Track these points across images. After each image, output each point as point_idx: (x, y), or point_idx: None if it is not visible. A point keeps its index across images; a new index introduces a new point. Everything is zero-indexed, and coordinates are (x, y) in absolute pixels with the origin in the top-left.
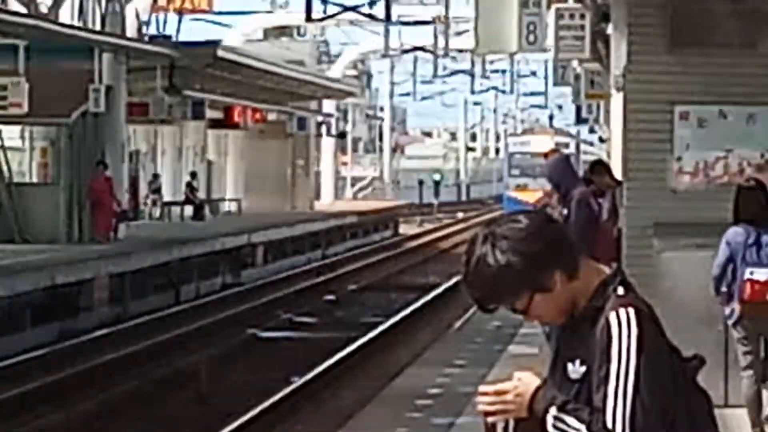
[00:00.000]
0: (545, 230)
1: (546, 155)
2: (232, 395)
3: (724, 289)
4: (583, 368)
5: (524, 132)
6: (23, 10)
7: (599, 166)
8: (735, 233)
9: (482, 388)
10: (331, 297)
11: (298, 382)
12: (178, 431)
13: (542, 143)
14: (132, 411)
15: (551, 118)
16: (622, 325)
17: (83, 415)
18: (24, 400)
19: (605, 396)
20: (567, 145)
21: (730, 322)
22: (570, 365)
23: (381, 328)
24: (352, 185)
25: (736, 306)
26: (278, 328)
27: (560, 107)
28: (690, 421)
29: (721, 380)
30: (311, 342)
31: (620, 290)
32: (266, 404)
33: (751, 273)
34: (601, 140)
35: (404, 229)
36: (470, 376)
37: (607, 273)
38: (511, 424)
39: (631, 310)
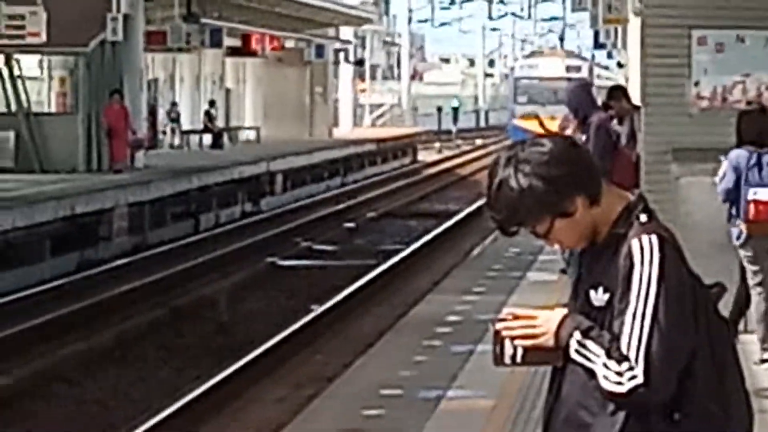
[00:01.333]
0: (568, 154)
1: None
2: (252, 324)
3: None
4: (607, 295)
5: (532, 54)
6: None
7: (617, 92)
8: (738, 155)
9: (507, 312)
10: (350, 224)
11: (318, 310)
12: (198, 360)
13: (552, 67)
14: (152, 340)
15: (562, 39)
16: (644, 252)
17: (103, 344)
18: (44, 329)
19: (623, 322)
20: (579, 69)
21: (738, 243)
22: (593, 292)
23: (400, 255)
24: (371, 112)
25: (743, 226)
26: (298, 257)
27: (577, 33)
28: (711, 349)
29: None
30: (331, 270)
31: (643, 217)
32: (286, 332)
33: (755, 193)
34: (620, 65)
35: (423, 156)
36: (490, 304)
37: (630, 199)
38: (520, 351)
39: (654, 238)
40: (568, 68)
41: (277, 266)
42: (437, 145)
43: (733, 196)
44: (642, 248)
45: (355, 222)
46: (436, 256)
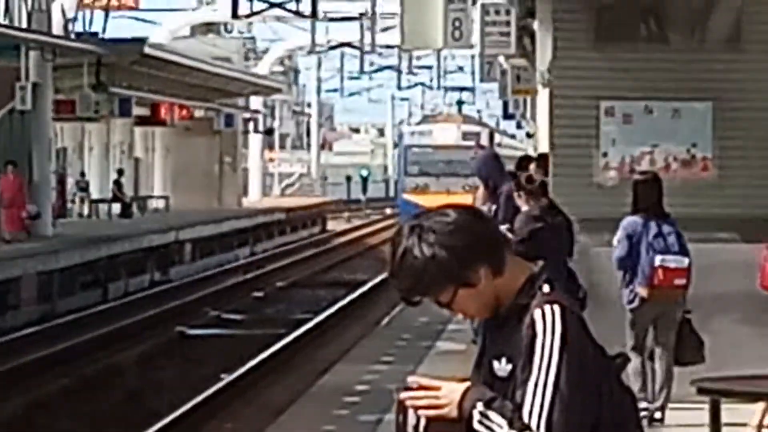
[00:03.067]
0: (473, 225)
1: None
2: (162, 392)
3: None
4: (510, 366)
5: (424, 119)
6: None
7: (526, 162)
8: (634, 222)
9: (412, 380)
10: (259, 294)
11: (227, 378)
12: (106, 429)
13: (446, 133)
14: (60, 409)
15: (460, 103)
16: (546, 322)
17: (10, 413)
18: None
19: (525, 391)
20: (478, 135)
21: (630, 306)
22: (496, 363)
23: (309, 324)
24: (280, 182)
25: (640, 290)
26: (207, 326)
27: (486, 103)
28: (614, 420)
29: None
30: (240, 339)
31: (546, 287)
32: (195, 401)
33: (662, 260)
34: (528, 135)
35: (332, 225)
36: (398, 373)
37: (533, 270)
38: (423, 422)
39: (557, 307)
40: (465, 135)
41: (186, 335)
42: (346, 214)
43: (627, 263)
44: (544, 317)
45: (263, 291)
46: (345, 325)
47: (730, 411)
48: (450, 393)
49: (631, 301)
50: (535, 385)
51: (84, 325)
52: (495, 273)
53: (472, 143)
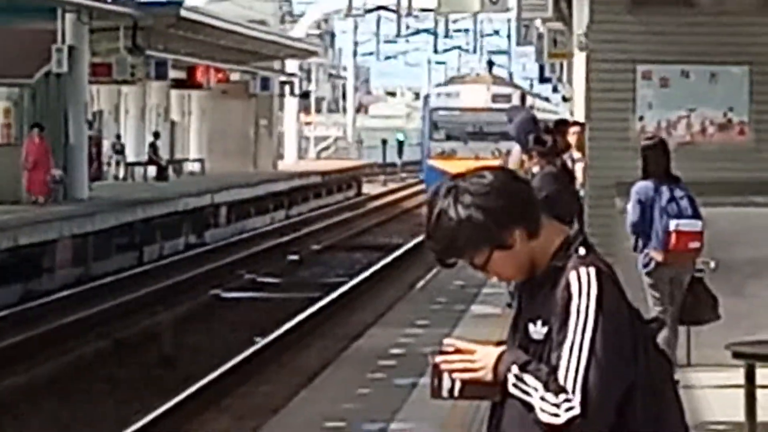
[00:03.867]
0: (509, 187)
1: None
2: (196, 356)
3: (642, 240)
4: (545, 329)
5: (452, 80)
6: None
7: (562, 126)
8: (646, 188)
9: (447, 344)
10: (294, 257)
11: (262, 342)
12: (142, 392)
13: (476, 95)
14: (95, 372)
15: (491, 64)
16: (582, 284)
17: (46, 376)
18: None
19: (560, 354)
20: (509, 98)
21: (646, 270)
22: (531, 326)
23: (344, 288)
24: (316, 145)
25: (655, 254)
26: (241, 289)
27: (523, 66)
28: (649, 383)
29: (683, 339)
30: (275, 302)
31: (581, 250)
32: (230, 365)
33: (677, 225)
34: (564, 99)
35: (368, 188)
36: (433, 337)
37: (569, 233)
38: (458, 385)
39: (592, 270)
40: (495, 97)
41: (221, 298)
42: (382, 177)
43: (640, 227)
44: (580, 281)
45: (299, 254)
46: (380, 288)
47: (765, 374)
48: (485, 356)
49: (646, 265)
50: (571, 348)
51: (119, 288)
52: (530, 235)
53: (502, 105)
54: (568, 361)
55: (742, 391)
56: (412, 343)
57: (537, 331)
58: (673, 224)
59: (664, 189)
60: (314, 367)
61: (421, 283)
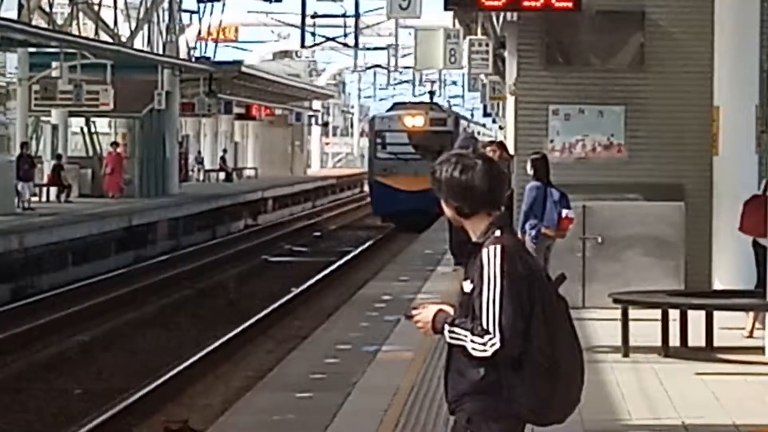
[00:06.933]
0: (484, 173)
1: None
2: (251, 300)
3: (533, 220)
4: (471, 285)
5: (394, 106)
6: (110, 40)
7: (499, 145)
8: (537, 187)
9: (413, 306)
10: (317, 234)
11: (296, 291)
12: (215, 324)
13: (415, 119)
14: (184, 310)
15: (431, 93)
16: (490, 258)
17: (150, 313)
18: (109, 304)
19: (480, 306)
20: (444, 122)
21: (535, 241)
22: (465, 283)
23: (351, 254)
24: (332, 158)
25: (547, 231)
26: (282, 255)
27: (471, 108)
28: (545, 318)
29: (580, 289)
30: (305, 264)
31: (497, 232)
32: (274, 305)
33: (566, 213)
34: (500, 128)
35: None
36: (411, 288)
37: (493, 219)
38: None
39: (498, 247)
40: (432, 121)
41: (268, 261)
42: None
43: (530, 213)
44: (488, 255)
45: (321, 232)
46: (376, 254)
47: (634, 314)
48: (425, 318)
49: (535, 238)
50: (487, 302)
51: (200, 254)
52: (461, 214)
53: (438, 128)
54: (486, 311)
55: (619, 324)
56: (397, 291)
57: (467, 286)
58: (564, 212)
59: (552, 189)
60: (330, 308)
61: (403, 252)
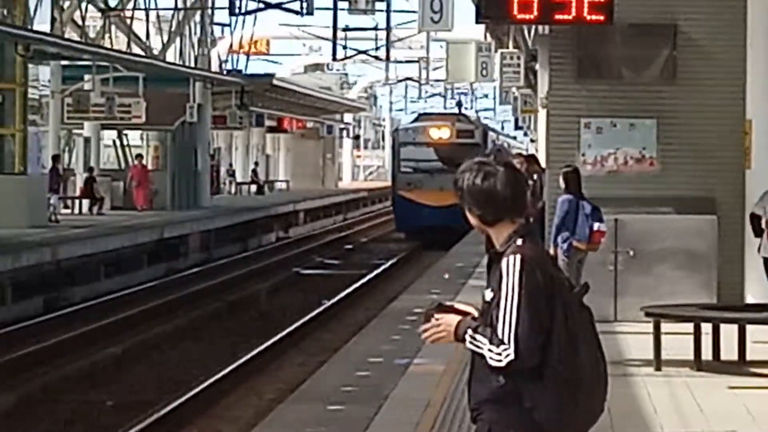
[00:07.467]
0: (504, 183)
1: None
2: (283, 312)
3: (565, 233)
4: (492, 294)
5: (419, 117)
6: (142, 53)
7: (531, 158)
8: (566, 200)
9: (430, 312)
10: (349, 246)
11: (327, 303)
12: (246, 336)
13: (441, 131)
14: (216, 323)
15: (459, 104)
16: (509, 267)
17: (182, 326)
18: (141, 316)
19: (497, 316)
20: (471, 134)
21: (567, 255)
22: (486, 291)
23: (382, 267)
24: (364, 171)
25: (579, 245)
26: (314, 268)
27: (503, 121)
28: (566, 330)
29: (611, 303)
30: (336, 277)
31: (519, 241)
32: (306, 318)
33: (598, 227)
34: (532, 141)
35: None
36: (443, 300)
37: (516, 227)
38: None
39: (519, 257)
40: (459, 133)
41: (300, 274)
42: None
43: (562, 227)
44: (508, 263)
45: (352, 244)
46: (407, 268)
47: (666, 327)
48: (448, 326)
49: (567, 251)
50: (504, 312)
51: (231, 267)
52: (484, 222)
53: (466, 140)
54: (503, 322)
55: (651, 338)
56: (428, 304)
57: (488, 295)
58: (596, 226)
59: (584, 202)
60: (362, 320)
61: (434, 266)
